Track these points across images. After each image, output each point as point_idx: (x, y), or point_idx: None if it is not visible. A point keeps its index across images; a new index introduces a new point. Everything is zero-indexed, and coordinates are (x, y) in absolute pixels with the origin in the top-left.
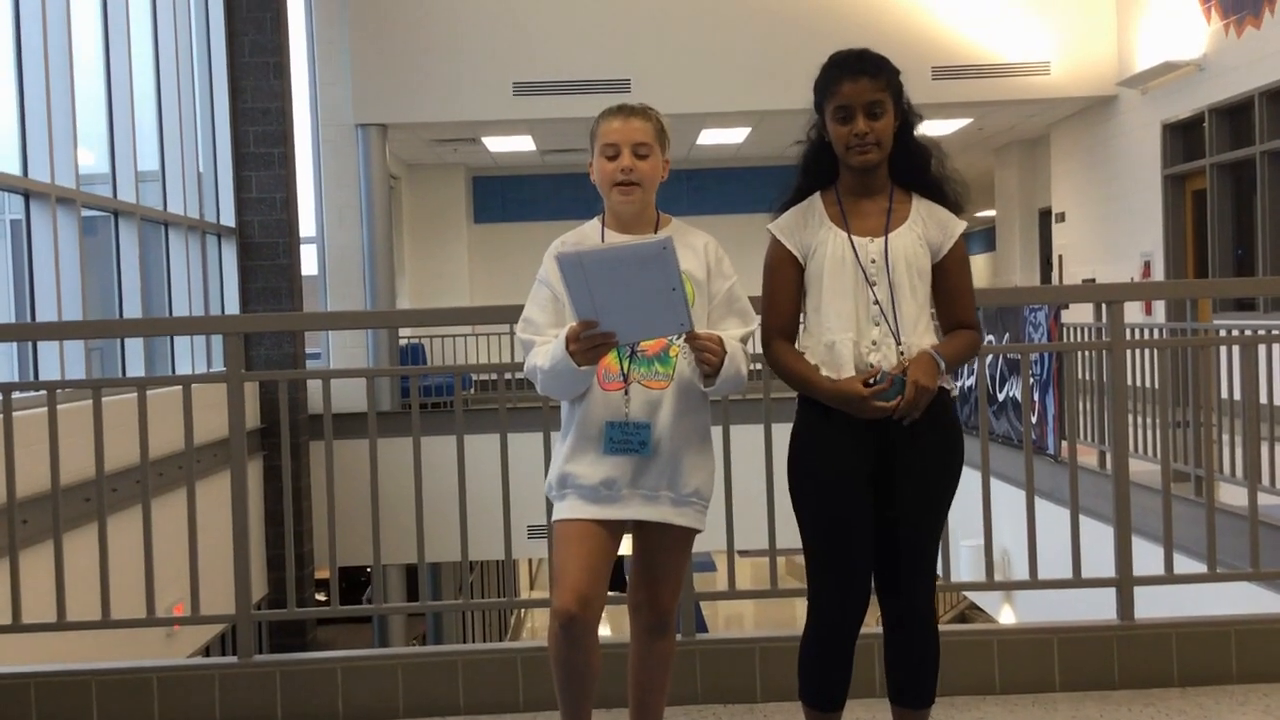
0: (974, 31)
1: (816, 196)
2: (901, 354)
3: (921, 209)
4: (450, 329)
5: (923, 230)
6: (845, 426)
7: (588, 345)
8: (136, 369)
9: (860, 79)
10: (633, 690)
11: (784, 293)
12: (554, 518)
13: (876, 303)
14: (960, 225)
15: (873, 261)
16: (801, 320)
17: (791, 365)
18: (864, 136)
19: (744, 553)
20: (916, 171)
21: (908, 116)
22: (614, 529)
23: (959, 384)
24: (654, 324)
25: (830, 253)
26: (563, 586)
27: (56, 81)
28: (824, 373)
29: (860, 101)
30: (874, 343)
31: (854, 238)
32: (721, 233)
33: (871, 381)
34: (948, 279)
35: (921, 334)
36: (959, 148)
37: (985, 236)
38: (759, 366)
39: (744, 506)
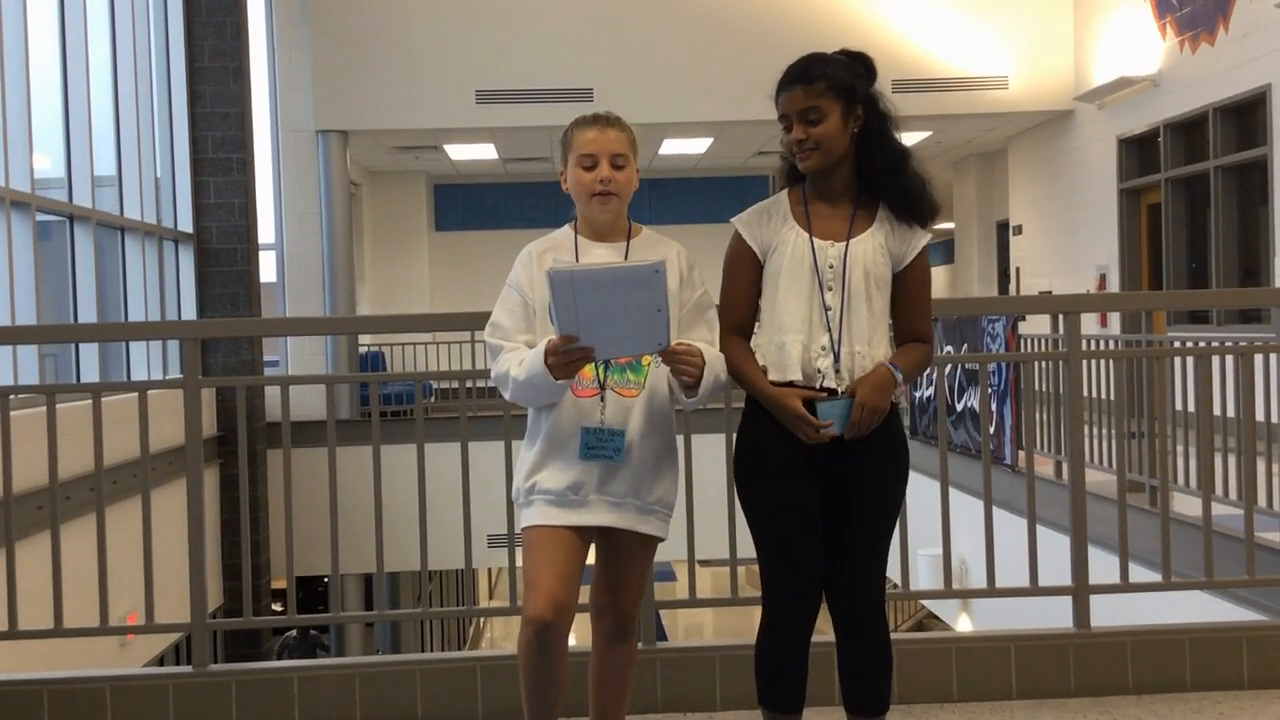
0: (934, 46)
1: (784, 194)
2: (838, 370)
3: (887, 216)
4: (410, 336)
5: (885, 239)
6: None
7: (566, 360)
8: (91, 375)
9: (793, 88)
10: (594, 696)
11: (739, 288)
12: (522, 524)
13: (830, 308)
14: (924, 237)
15: (830, 266)
16: (758, 317)
17: (737, 362)
18: (802, 143)
19: (705, 562)
20: (879, 177)
21: (872, 121)
22: (584, 535)
23: (917, 394)
24: (633, 341)
25: (790, 253)
26: (537, 593)
27: (12, 84)
28: (771, 374)
29: (794, 110)
30: (823, 348)
31: (815, 240)
32: (683, 241)
33: (815, 402)
34: (907, 290)
35: (876, 344)
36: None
37: (944, 249)
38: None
39: (705, 516)
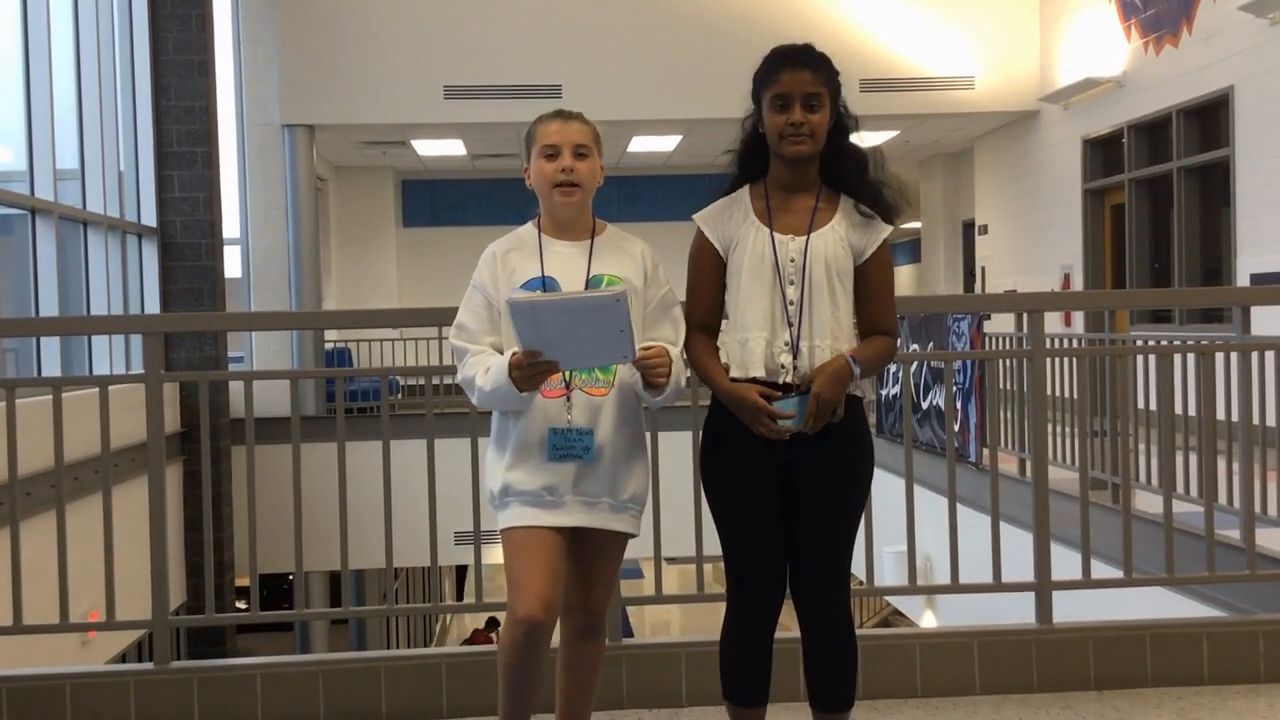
0: (901, 46)
1: (745, 189)
2: (796, 365)
3: (848, 210)
4: (377, 332)
5: (846, 231)
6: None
7: (531, 373)
8: (52, 370)
9: (802, 70)
10: (561, 693)
11: (703, 285)
12: (501, 526)
13: (792, 303)
14: (885, 229)
15: (791, 261)
16: (724, 313)
17: (698, 359)
18: (799, 127)
19: (671, 559)
20: (849, 175)
21: (843, 120)
22: (563, 534)
23: (883, 392)
24: (598, 356)
25: (751, 248)
26: (527, 593)
27: None
28: (734, 370)
29: (799, 92)
30: (786, 343)
31: (775, 235)
32: (652, 239)
33: (774, 399)
34: (868, 282)
35: (842, 337)
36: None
37: (910, 248)
38: (689, 374)
39: (671, 513)
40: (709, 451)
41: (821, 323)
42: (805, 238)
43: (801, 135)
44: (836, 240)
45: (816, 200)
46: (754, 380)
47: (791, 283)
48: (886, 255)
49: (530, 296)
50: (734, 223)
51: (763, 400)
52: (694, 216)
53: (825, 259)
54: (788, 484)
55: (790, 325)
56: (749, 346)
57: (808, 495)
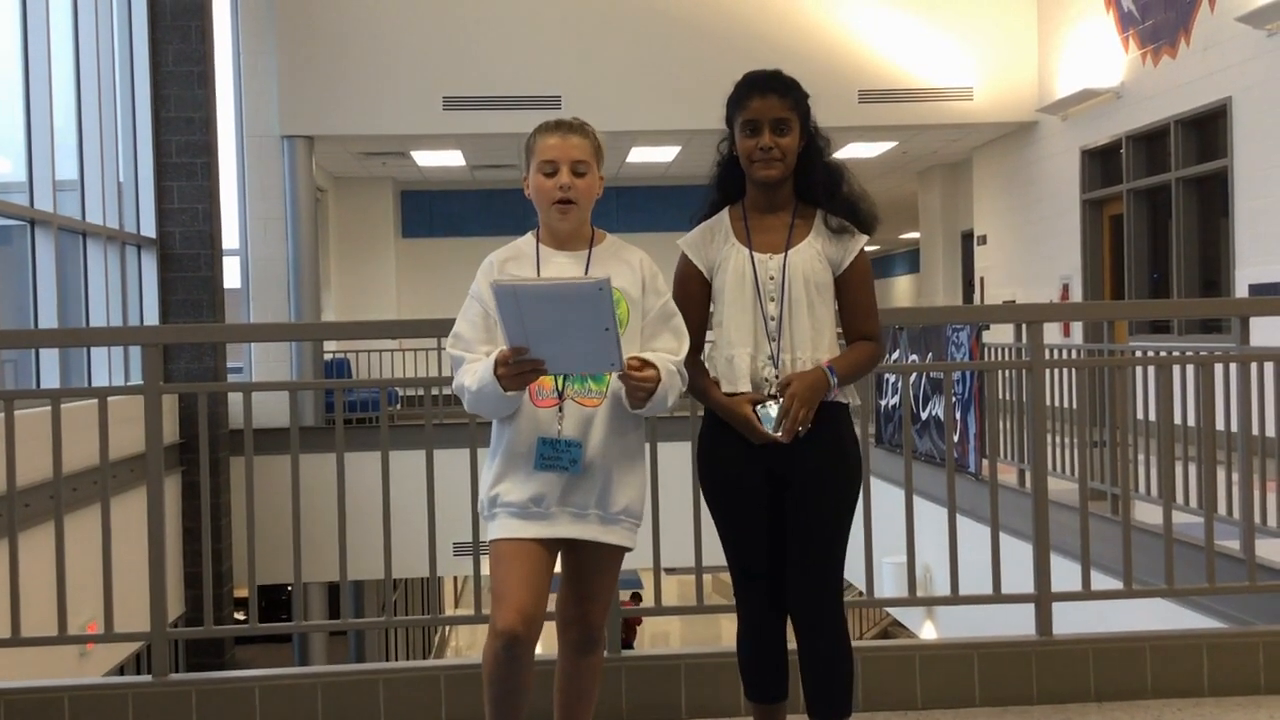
0: (900, 57)
1: (725, 212)
2: (776, 376)
3: (824, 224)
4: (376, 343)
5: (822, 245)
6: (740, 436)
7: (516, 371)
8: (52, 381)
9: (769, 95)
10: (559, 706)
11: (689, 308)
12: (488, 537)
13: (773, 319)
14: (860, 240)
15: (771, 278)
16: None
17: (692, 378)
18: (769, 151)
19: (670, 570)
20: (823, 191)
21: (814, 139)
22: (550, 547)
23: (883, 402)
24: (585, 359)
25: (732, 268)
26: (506, 605)
27: None
28: (723, 386)
29: (767, 117)
30: (770, 358)
31: (754, 254)
32: (649, 250)
33: (761, 406)
34: (849, 292)
35: (822, 348)
36: (883, 170)
37: (909, 258)
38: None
39: (671, 524)
40: (703, 464)
41: (801, 336)
42: (783, 255)
43: (771, 159)
44: (813, 255)
45: (792, 218)
46: (743, 393)
47: (772, 299)
48: (864, 264)
49: (514, 280)
50: (715, 246)
51: (749, 410)
52: (678, 242)
53: (804, 274)
54: (778, 493)
55: (772, 340)
56: (735, 363)
57: (795, 503)
